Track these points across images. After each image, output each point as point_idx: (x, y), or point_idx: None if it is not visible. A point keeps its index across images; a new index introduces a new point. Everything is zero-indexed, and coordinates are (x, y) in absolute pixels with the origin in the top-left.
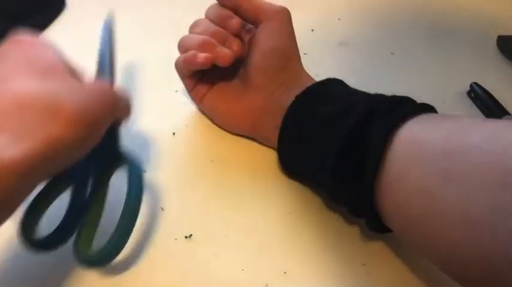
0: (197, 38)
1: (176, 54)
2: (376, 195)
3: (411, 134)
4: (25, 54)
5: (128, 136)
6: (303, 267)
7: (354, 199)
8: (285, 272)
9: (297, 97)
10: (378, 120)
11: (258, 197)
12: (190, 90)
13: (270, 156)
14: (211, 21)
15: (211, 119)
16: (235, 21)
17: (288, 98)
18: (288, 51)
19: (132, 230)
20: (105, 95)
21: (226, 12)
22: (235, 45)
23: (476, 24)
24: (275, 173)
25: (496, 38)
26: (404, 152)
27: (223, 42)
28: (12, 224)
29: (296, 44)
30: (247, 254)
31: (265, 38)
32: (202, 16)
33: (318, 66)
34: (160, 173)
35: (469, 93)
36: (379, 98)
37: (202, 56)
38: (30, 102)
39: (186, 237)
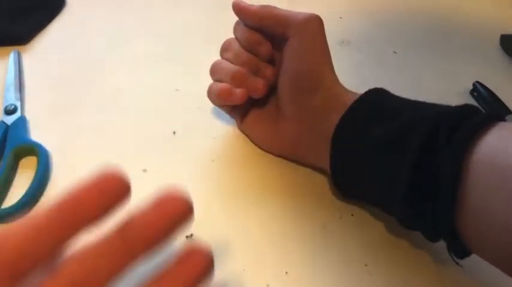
0: (229, 68)
1: (176, 52)
2: (458, 225)
3: (487, 158)
4: None
5: (129, 135)
6: (304, 267)
7: (432, 228)
8: (286, 272)
9: (339, 127)
10: (445, 142)
11: (259, 197)
12: (229, 113)
13: (271, 155)
14: (241, 44)
15: (213, 120)
16: (264, 49)
17: (328, 126)
18: (317, 69)
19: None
20: None
21: (254, 37)
22: (268, 72)
23: (478, 23)
24: (276, 173)
25: (498, 36)
26: (482, 180)
27: (256, 71)
28: None
29: (327, 55)
30: (248, 254)
31: (290, 61)
32: (203, 15)
33: None
34: (160, 173)
35: (471, 92)
36: (439, 110)
37: (237, 93)
38: None
39: (187, 237)
